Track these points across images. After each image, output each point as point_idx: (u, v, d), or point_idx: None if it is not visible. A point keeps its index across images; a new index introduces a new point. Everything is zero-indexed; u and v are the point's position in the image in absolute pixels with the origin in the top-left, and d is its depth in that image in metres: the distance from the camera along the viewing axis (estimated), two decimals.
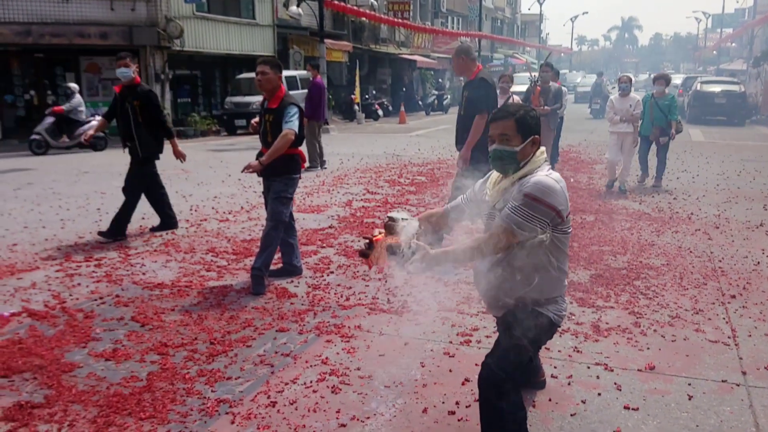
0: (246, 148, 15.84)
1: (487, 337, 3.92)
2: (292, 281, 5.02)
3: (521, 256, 2.50)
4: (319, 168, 11.42)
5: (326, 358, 3.63)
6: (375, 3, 28.90)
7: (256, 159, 4.89)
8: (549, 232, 2.47)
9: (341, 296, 4.67)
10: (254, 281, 4.76)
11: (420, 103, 31.31)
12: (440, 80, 35.22)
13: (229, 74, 23.35)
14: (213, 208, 7.94)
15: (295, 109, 4.74)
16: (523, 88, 30.00)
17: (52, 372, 3.41)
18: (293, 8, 21.62)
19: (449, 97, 31.93)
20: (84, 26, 17.26)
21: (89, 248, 6.00)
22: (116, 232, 6.28)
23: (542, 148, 2.61)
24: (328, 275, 5.17)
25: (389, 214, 2.58)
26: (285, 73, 22.11)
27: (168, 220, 6.76)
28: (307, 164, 11.41)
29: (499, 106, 6.99)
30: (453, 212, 2.83)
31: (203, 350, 3.71)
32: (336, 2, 21.60)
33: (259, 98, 20.18)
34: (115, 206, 7.88)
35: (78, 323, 4.12)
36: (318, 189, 9.24)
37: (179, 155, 6.78)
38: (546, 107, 8.66)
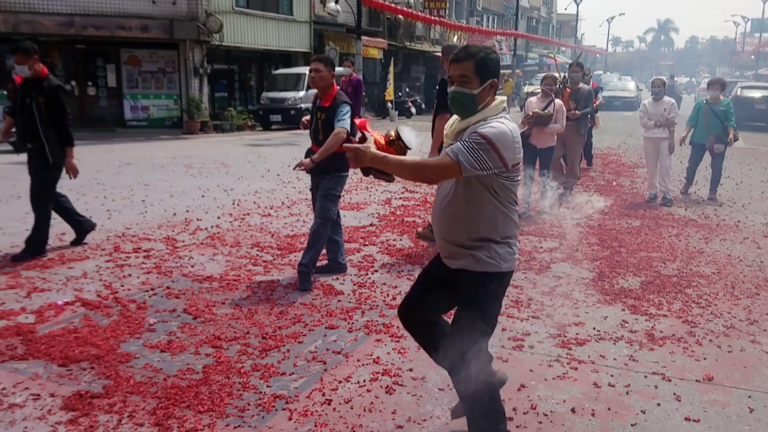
0: (282, 144, 15.95)
1: (540, 342, 3.87)
2: (338, 278, 5.03)
3: (469, 195, 2.49)
4: None
5: (378, 357, 3.62)
6: (411, 0, 28.84)
7: (306, 156, 4.91)
8: (493, 177, 2.45)
9: (388, 295, 4.66)
10: (301, 277, 4.78)
11: None
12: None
13: (265, 69, 23.53)
14: (254, 202, 7.99)
15: (347, 108, 4.74)
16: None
17: (109, 362, 3.46)
18: (331, 5, 21.65)
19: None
20: (125, 19, 17.52)
21: (137, 239, 6.08)
22: (35, 250, 5.45)
23: (503, 98, 2.56)
24: (372, 273, 5.17)
25: (397, 129, 2.57)
26: None
27: (81, 226, 5.92)
28: None
29: (539, 111, 6.99)
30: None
31: (256, 345, 3.74)
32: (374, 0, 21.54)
33: (294, 94, 20.35)
34: (159, 198, 8.02)
35: (131, 314, 4.18)
36: (356, 186, 9.24)
37: (71, 169, 5.60)
38: (576, 111, 8.15)
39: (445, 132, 2.66)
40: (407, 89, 28.86)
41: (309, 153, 4.95)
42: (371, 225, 6.86)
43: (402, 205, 7.90)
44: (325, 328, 4.03)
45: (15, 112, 5.48)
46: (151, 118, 19.40)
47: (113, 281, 4.84)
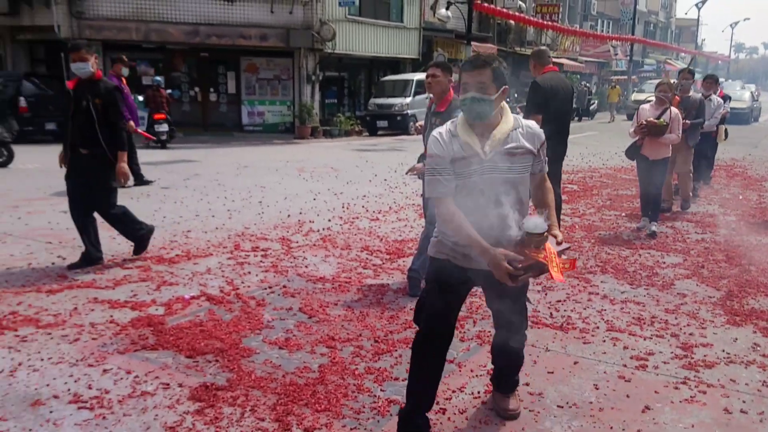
0: (388, 149, 16.14)
1: (665, 363, 3.65)
2: None
3: (522, 197, 2.71)
4: None
5: (492, 369, 3.54)
6: (523, 5, 28.35)
7: (419, 161, 4.90)
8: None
9: None
10: (411, 283, 4.78)
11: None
12: (587, 84, 33.82)
13: (373, 76, 23.95)
14: (363, 206, 8.12)
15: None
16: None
17: (231, 356, 3.61)
18: (442, 11, 21.69)
19: (596, 102, 30.58)
20: (246, 28, 18.41)
21: (255, 238, 6.34)
22: (141, 246, 5.57)
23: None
24: None
25: (535, 224, 2.51)
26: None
27: (91, 252, 5.31)
28: None
29: (653, 120, 6.51)
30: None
31: (368, 348, 3.77)
32: (485, 5, 21.34)
33: (401, 100, 20.55)
34: (274, 200, 8.33)
35: (251, 310, 4.34)
36: None
37: (122, 174, 5.23)
38: (686, 121, 7.37)
39: (476, 148, 2.63)
40: (515, 94, 28.37)
41: (422, 158, 4.96)
42: None
43: None
44: None
45: (68, 117, 5.18)
46: (265, 123, 20.26)
47: (234, 278, 5.06)
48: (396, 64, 23.71)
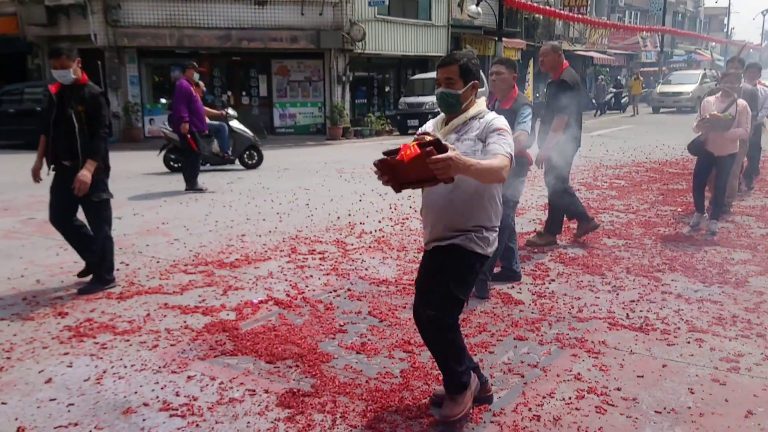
0: None
1: (757, 364, 3.53)
2: (513, 287, 4.91)
3: (468, 186, 2.73)
4: None
5: (578, 373, 3.46)
6: None
7: None
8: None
9: (572, 307, 4.47)
10: (478, 284, 4.69)
11: (593, 101, 29.88)
12: (618, 77, 33.35)
13: (401, 75, 23.88)
14: (410, 207, 8.06)
15: (528, 110, 4.62)
16: (689, 87, 27.06)
17: (311, 361, 3.58)
18: (472, 7, 21.54)
19: (627, 95, 30.08)
20: (277, 31, 18.47)
21: (309, 241, 6.32)
22: (102, 279, 4.86)
23: (483, 98, 2.89)
24: (549, 283, 4.99)
25: (424, 130, 2.84)
26: None
27: (94, 262, 4.94)
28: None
29: (718, 113, 6.22)
30: None
31: None
32: (516, 0, 21.15)
33: (432, 98, 20.40)
34: (321, 202, 8.31)
35: (321, 314, 4.32)
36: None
37: (79, 182, 4.60)
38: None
39: (435, 128, 2.92)
40: (545, 90, 28.11)
41: None
42: (535, 231, 6.65)
43: None
44: (514, 338, 3.93)
45: (49, 126, 4.74)
46: (297, 125, 20.31)
47: (297, 281, 5.04)
48: (424, 63, 23.61)
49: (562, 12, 26.60)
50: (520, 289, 4.86)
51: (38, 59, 19.23)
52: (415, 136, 2.66)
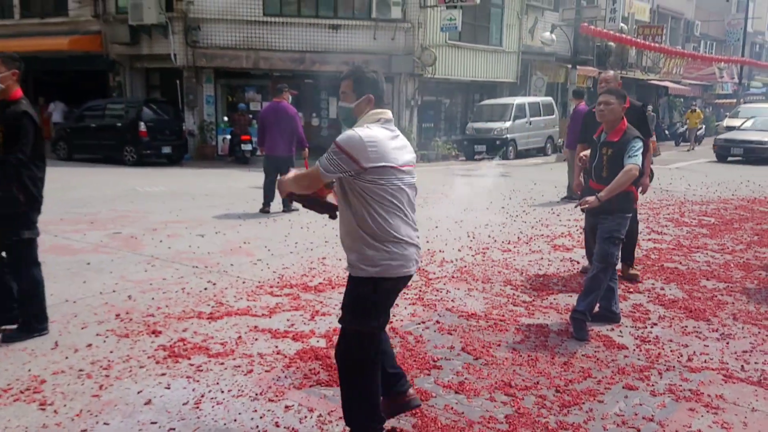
0: (492, 175, 15.83)
1: None
2: (613, 329, 4.65)
3: (347, 201, 2.78)
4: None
5: (699, 430, 3.20)
6: (625, 27, 27.48)
7: (582, 195, 4.64)
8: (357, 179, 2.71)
9: (680, 355, 4.19)
10: (576, 325, 4.48)
11: (666, 132, 28.95)
12: (651, 109, 32.23)
13: (469, 100, 23.76)
14: (489, 236, 7.87)
15: (639, 143, 4.41)
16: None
17: None
18: (546, 34, 21.32)
19: (704, 127, 28.96)
20: (349, 54, 18.63)
21: None
22: (32, 327, 4.20)
23: (383, 110, 2.84)
24: (651, 327, 4.71)
25: None
26: (527, 99, 21.97)
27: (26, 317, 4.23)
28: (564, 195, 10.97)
29: None
30: None
31: (551, 398, 3.51)
32: (591, 27, 20.80)
33: (500, 125, 20.20)
34: None
35: (413, 347, 4.18)
36: None
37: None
38: None
39: None
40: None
41: (587, 191, 4.69)
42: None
43: (654, 248, 7.27)
44: (623, 387, 3.69)
45: None
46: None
47: None
48: (493, 88, 23.44)
49: (636, 40, 25.99)
50: (620, 332, 4.60)
51: (120, 77, 20.04)
52: None
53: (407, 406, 3.12)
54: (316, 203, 3.04)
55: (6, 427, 3.08)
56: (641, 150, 4.41)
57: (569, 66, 21.90)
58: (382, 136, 2.76)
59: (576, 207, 4.62)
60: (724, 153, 19.59)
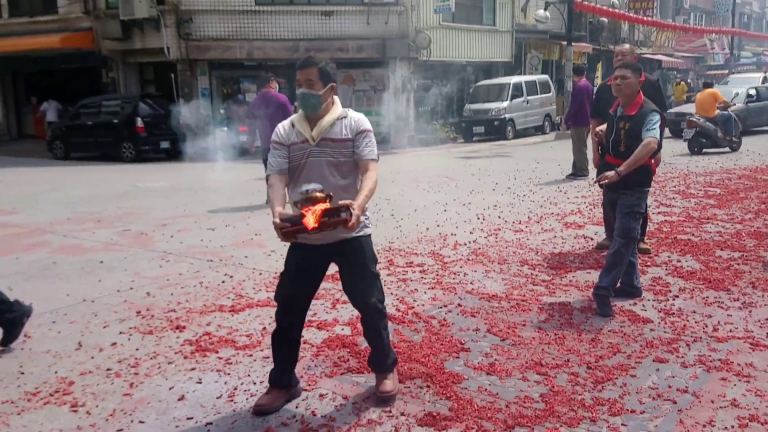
0: (493, 156, 15.81)
1: None
2: (635, 303, 4.64)
3: (353, 174, 3.13)
4: (586, 176, 10.85)
5: (734, 399, 3.20)
6: (616, 2, 27.35)
7: (600, 170, 4.62)
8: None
9: (705, 325, 4.18)
10: (599, 301, 4.47)
11: None
12: (688, 81, 32.21)
13: (465, 81, 23.64)
14: (499, 216, 7.85)
15: (657, 117, 4.38)
16: (742, 89, 20.86)
17: (442, 381, 3.43)
18: (540, 12, 21.18)
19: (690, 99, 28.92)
20: (344, 41, 18.56)
21: (404, 253, 6.19)
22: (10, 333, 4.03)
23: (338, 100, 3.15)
24: (673, 299, 4.71)
25: (308, 187, 2.89)
26: (523, 78, 21.87)
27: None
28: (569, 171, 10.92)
29: None
30: (284, 179, 3.12)
31: (584, 375, 3.50)
32: (585, 3, 20.68)
33: (497, 105, 20.13)
34: (406, 213, 8.18)
35: (437, 331, 4.17)
36: (600, 198, 8.73)
37: None
38: None
39: (303, 134, 3.08)
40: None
41: (605, 166, 4.67)
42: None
43: (664, 221, 7.26)
44: (653, 360, 3.68)
45: None
46: None
47: (404, 296, 4.91)
48: (488, 69, 23.33)
49: (629, 14, 25.87)
50: (643, 306, 4.59)
51: (113, 73, 19.87)
52: (305, 195, 2.84)
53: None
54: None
55: (40, 430, 3.06)
56: (659, 123, 4.38)
57: (564, 43, 21.77)
58: None
59: (594, 182, 4.60)
60: None
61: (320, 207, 2.80)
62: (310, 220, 2.74)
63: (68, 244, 6.81)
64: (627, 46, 5.96)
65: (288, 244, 3.14)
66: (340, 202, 2.86)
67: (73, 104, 18.06)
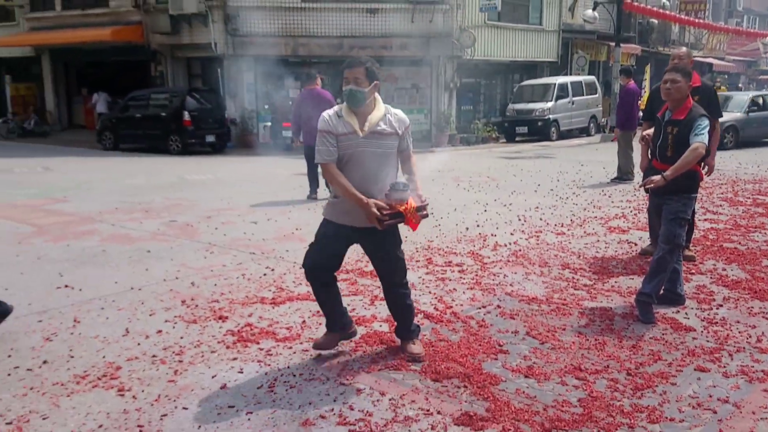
0: (536, 157, 15.66)
1: None
2: (678, 311, 4.57)
3: (394, 165, 3.59)
4: (632, 180, 10.65)
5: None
6: (667, 3, 26.70)
7: (646, 174, 4.55)
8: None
9: (749, 336, 4.09)
10: (642, 308, 4.41)
11: None
12: (739, 85, 31.28)
13: (508, 81, 23.43)
14: (541, 219, 7.79)
15: (706, 121, 4.29)
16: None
17: (479, 382, 3.44)
18: (588, 12, 20.84)
19: None
20: (387, 38, 18.58)
21: (443, 252, 6.21)
22: None
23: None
24: (717, 308, 4.61)
25: (399, 181, 3.46)
26: (569, 78, 21.56)
27: None
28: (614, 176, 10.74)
29: None
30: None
31: (624, 381, 3.47)
32: (635, 4, 20.26)
33: (542, 105, 19.89)
34: (445, 211, 8.17)
35: (476, 331, 4.18)
36: (645, 203, 8.57)
37: None
38: None
39: (354, 127, 3.41)
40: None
41: (651, 170, 4.60)
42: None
43: (711, 228, 7.10)
44: (694, 369, 3.63)
45: None
46: None
47: (442, 295, 4.93)
48: (533, 68, 23.07)
49: (680, 16, 25.23)
50: (686, 314, 4.51)
51: (161, 66, 20.34)
52: (398, 190, 3.39)
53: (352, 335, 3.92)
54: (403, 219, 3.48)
55: (88, 413, 3.18)
56: (708, 128, 4.30)
57: (612, 44, 21.36)
58: None
59: (640, 187, 4.53)
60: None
61: (412, 204, 3.42)
62: (413, 219, 3.44)
63: (117, 234, 7.03)
64: (684, 49, 5.84)
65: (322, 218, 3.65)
66: (422, 199, 3.53)
67: (122, 96, 18.54)
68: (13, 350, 3.90)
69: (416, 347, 3.74)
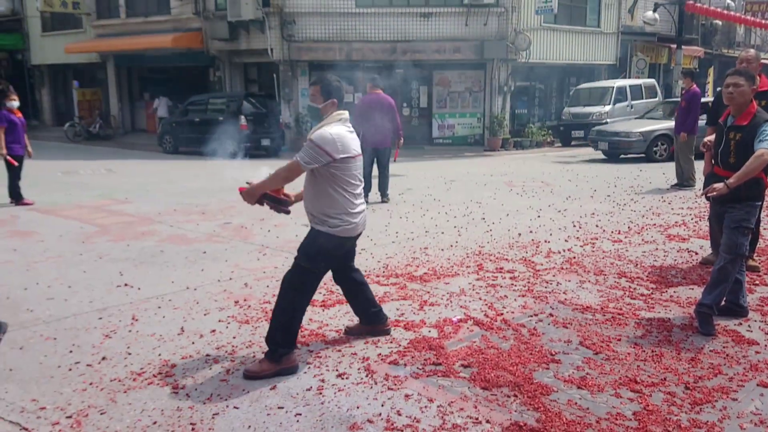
0: (590, 161, 15.30)
1: None
2: (741, 323, 4.37)
3: (313, 182, 3.62)
4: (693, 187, 10.28)
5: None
6: (732, 3, 25.72)
7: (707, 181, 4.38)
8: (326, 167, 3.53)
9: None
10: (701, 319, 4.24)
11: None
12: None
13: (564, 84, 23.00)
14: (597, 225, 7.60)
15: None
16: None
17: (530, 392, 3.37)
18: (649, 14, 20.28)
19: None
20: (441, 42, 18.54)
21: (494, 258, 6.13)
22: None
23: (342, 111, 3.64)
24: None
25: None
26: (627, 81, 21.00)
27: None
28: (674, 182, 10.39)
29: None
30: None
31: (681, 395, 3.34)
32: (698, 5, 19.60)
33: (599, 109, 19.42)
34: (497, 216, 8.09)
35: (527, 340, 4.10)
36: (707, 211, 8.26)
37: None
38: None
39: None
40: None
41: (713, 177, 4.42)
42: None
43: None
44: (757, 385, 3.46)
45: None
46: (454, 136, 20.25)
47: (493, 301, 4.86)
48: (590, 71, 22.58)
49: (746, 17, 24.25)
50: (749, 326, 4.32)
51: (219, 72, 20.87)
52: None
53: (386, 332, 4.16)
54: (278, 201, 3.78)
55: (143, 409, 3.27)
56: None
57: (673, 46, 20.71)
58: (344, 132, 3.56)
59: (701, 195, 4.36)
60: None
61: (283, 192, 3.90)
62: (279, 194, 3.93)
63: (175, 234, 7.23)
64: (752, 52, 5.58)
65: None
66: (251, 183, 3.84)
67: (182, 101, 19.10)
68: (74, 346, 4.05)
69: (255, 364, 3.66)
